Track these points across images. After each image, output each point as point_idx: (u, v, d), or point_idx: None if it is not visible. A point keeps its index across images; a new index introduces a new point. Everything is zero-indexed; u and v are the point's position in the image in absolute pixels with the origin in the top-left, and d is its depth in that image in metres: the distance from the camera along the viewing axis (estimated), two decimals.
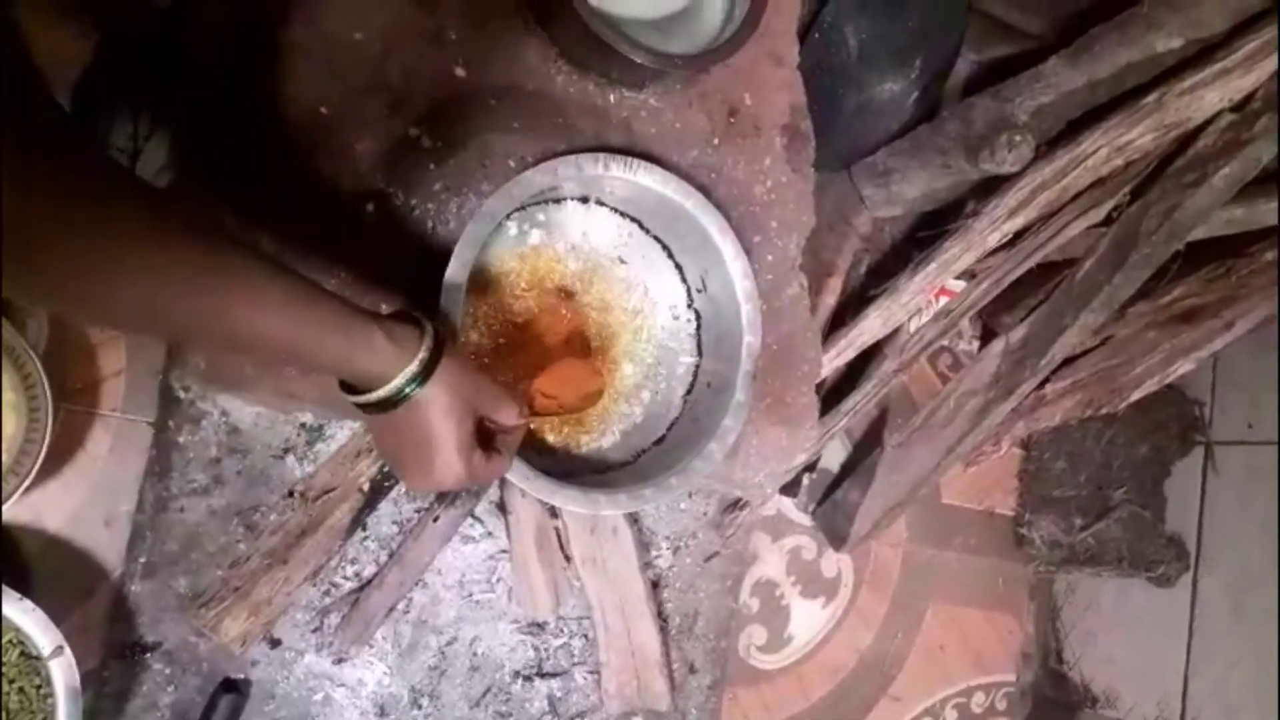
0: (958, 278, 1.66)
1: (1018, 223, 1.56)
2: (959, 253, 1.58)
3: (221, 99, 1.00)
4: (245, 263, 0.67)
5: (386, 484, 1.23)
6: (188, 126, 1.05)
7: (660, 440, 1.16)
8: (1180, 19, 1.40)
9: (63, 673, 1.03)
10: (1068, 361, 1.75)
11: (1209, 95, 1.41)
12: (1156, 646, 1.93)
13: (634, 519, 1.39)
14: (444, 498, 1.25)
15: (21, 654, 1.03)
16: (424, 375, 0.77)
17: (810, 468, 1.81)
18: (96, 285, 0.58)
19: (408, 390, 0.77)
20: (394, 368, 0.76)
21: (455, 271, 0.95)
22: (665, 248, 1.18)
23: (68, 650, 1.03)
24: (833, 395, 1.73)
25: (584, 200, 1.13)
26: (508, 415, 0.87)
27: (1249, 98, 1.42)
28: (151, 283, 0.60)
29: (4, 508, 1.04)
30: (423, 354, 0.77)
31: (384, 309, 0.94)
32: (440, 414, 0.79)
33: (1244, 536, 1.85)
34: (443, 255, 0.95)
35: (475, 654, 1.31)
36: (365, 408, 0.79)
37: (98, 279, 0.58)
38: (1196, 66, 1.41)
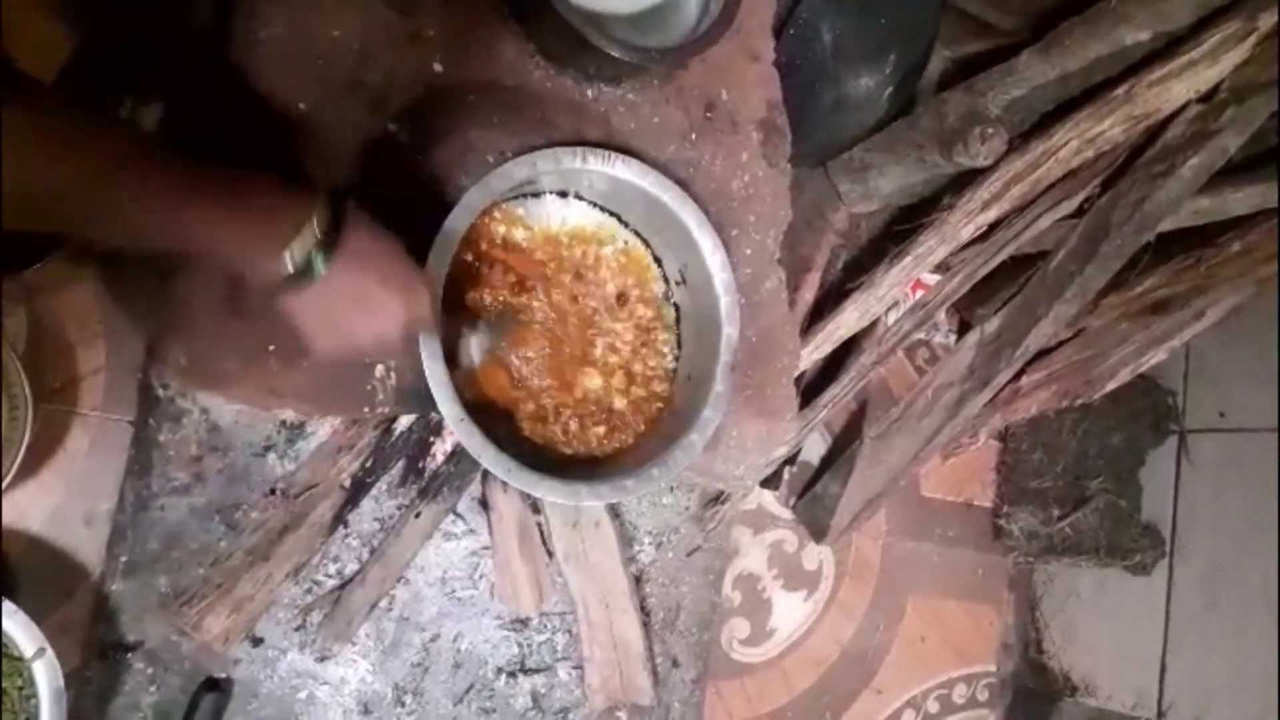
0: (933, 271, 1.68)
1: (991, 215, 1.57)
2: (934, 246, 1.59)
3: (201, 94, 1.00)
4: (136, 154, 0.70)
5: (368, 480, 1.24)
6: (166, 123, 1.05)
7: (643, 434, 1.17)
8: (1148, 13, 1.42)
9: (46, 674, 1.02)
10: (1042, 353, 1.77)
11: (1177, 87, 1.43)
12: (1134, 634, 1.95)
13: (616, 513, 1.39)
14: (426, 494, 1.26)
15: (4, 655, 1.03)
16: (326, 247, 0.79)
17: (790, 461, 1.82)
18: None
19: (314, 264, 0.78)
20: (286, 240, 0.77)
21: (434, 265, 0.96)
22: (644, 241, 1.19)
23: (50, 652, 1.02)
24: (812, 388, 1.74)
25: (563, 194, 1.14)
26: (420, 300, 0.88)
27: (1215, 89, 1.45)
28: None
29: None
30: (315, 224, 0.78)
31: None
32: (355, 282, 0.82)
33: (1218, 524, 1.87)
34: (422, 249, 0.95)
35: (458, 650, 1.31)
36: (283, 287, 0.80)
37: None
38: (1164, 59, 1.43)
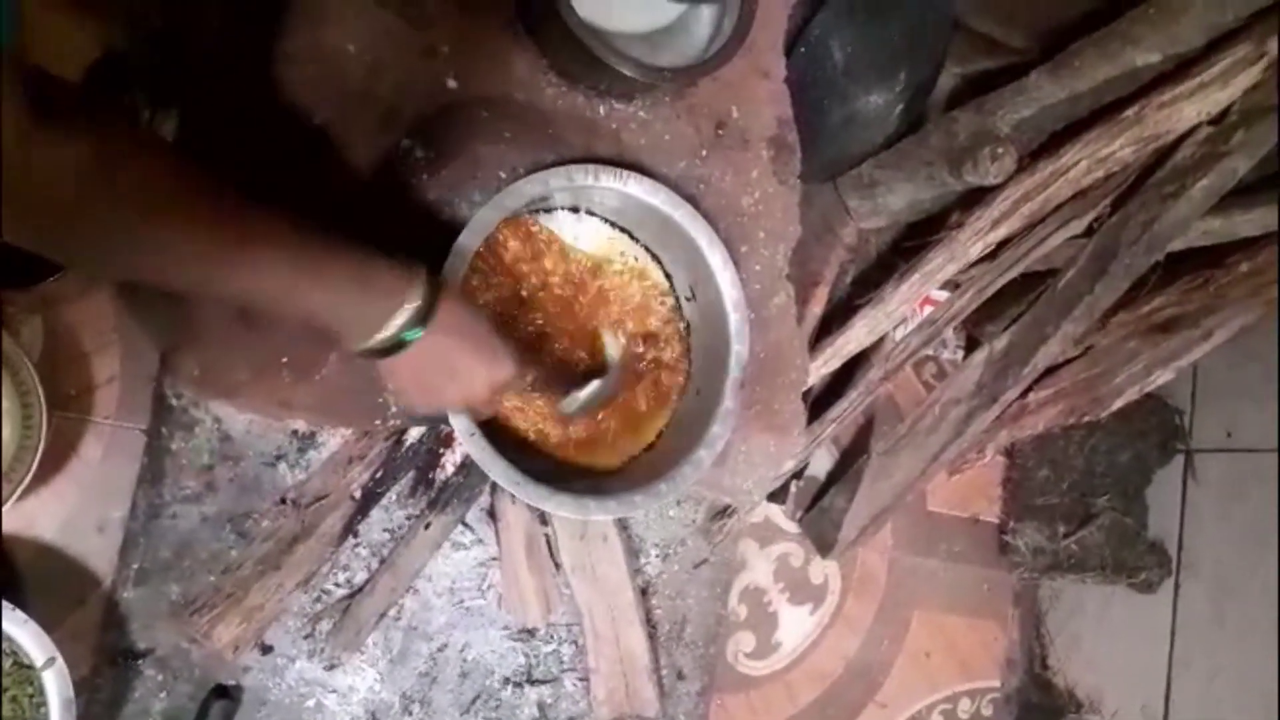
0: (941, 288, 1.68)
1: (1000, 234, 1.58)
2: (943, 263, 1.60)
3: (218, 104, 1.01)
4: (253, 224, 0.75)
5: (378, 491, 1.24)
6: (183, 130, 1.06)
7: (650, 447, 1.18)
8: (1159, 35, 1.42)
9: (56, 682, 1.03)
10: (1050, 370, 1.77)
11: (1187, 109, 1.43)
12: (1139, 652, 1.95)
13: (623, 526, 1.39)
14: (435, 505, 1.26)
15: (15, 663, 1.03)
16: (421, 320, 0.84)
17: (798, 475, 1.83)
18: (121, 246, 0.66)
19: (405, 336, 0.84)
20: (389, 316, 0.83)
21: (446, 280, 0.97)
22: (655, 257, 1.20)
23: (61, 660, 1.03)
24: (819, 403, 1.75)
25: (574, 210, 1.15)
26: (505, 367, 0.93)
27: (1226, 111, 1.45)
28: (168, 242, 0.69)
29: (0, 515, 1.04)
30: (417, 301, 0.83)
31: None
32: (445, 350, 0.88)
33: (1224, 543, 1.87)
34: (436, 266, 0.96)
35: (466, 660, 1.32)
36: (370, 353, 0.85)
37: (122, 240, 0.66)
38: (1175, 81, 1.43)
